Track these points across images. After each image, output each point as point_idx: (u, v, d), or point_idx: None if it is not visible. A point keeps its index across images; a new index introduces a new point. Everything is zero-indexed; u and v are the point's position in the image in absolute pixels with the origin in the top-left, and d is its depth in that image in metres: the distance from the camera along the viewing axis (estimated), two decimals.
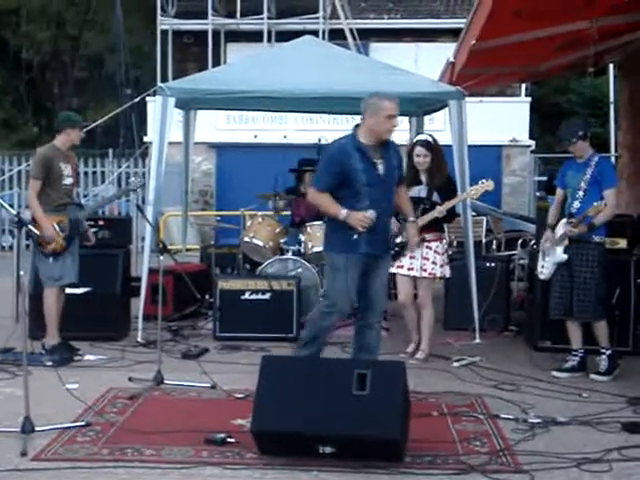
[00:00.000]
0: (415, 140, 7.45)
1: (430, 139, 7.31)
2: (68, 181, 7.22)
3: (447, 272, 7.38)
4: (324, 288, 6.64)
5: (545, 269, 6.85)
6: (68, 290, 7.31)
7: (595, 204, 6.36)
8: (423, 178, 7.29)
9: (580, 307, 6.61)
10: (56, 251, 7.06)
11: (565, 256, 6.63)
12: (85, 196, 7.06)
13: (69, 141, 7.22)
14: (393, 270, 7.42)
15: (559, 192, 6.95)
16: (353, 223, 5.79)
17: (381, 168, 5.91)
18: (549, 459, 4.69)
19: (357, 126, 6.02)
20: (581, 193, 6.59)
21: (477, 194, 7.31)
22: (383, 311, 6.34)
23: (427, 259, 7.23)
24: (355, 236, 5.82)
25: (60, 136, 7.23)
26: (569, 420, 5.41)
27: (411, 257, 7.25)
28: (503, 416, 5.50)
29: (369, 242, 5.87)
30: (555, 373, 6.69)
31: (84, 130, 7.43)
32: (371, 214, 5.79)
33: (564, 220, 6.67)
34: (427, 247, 7.23)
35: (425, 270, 7.23)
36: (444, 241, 7.41)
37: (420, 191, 7.27)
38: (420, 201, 7.22)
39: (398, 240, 7.28)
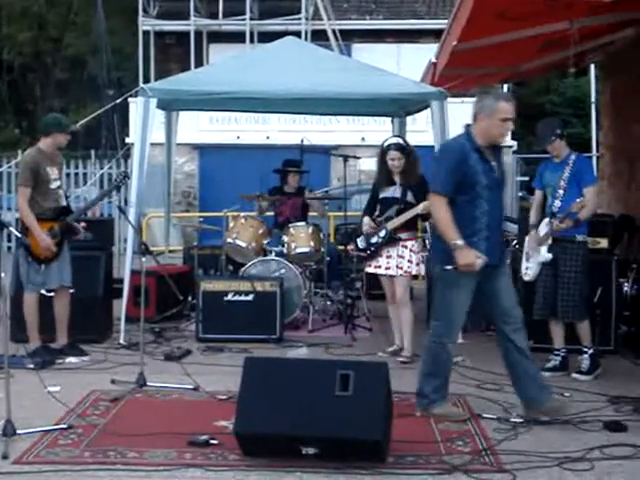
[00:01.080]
0: (387, 144, 7.38)
1: (402, 142, 7.36)
2: (55, 185, 7.15)
3: (422, 270, 7.44)
4: (433, 311, 5.80)
5: (530, 270, 6.86)
6: (50, 293, 7.27)
7: (578, 200, 6.39)
8: (397, 179, 7.32)
9: (564, 307, 6.64)
10: (48, 257, 7.03)
11: (550, 255, 6.65)
12: (67, 197, 6.99)
13: (55, 144, 7.17)
14: (371, 270, 7.48)
15: (537, 193, 6.99)
16: (462, 261, 5.24)
17: (496, 171, 5.44)
18: (531, 458, 4.70)
19: (469, 125, 5.48)
20: (561, 192, 6.62)
21: None
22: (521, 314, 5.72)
23: (403, 257, 7.27)
24: (449, 267, 5.31)
25: (47, 139, 7.15)
26: (551, 419, 5.43)
27: (387, 257, 7.29)
28: (486, 416, 5.52)
29: (488, 251, 5.34)
30: None
31: (70, 134, 7.33)
32: (483, 261, 5.29)
33: (546, 220, 6.70)
34: (403, 246, 7.27)
35: (401, 268, 7.26)
36: (419, 240, 7.46)
37: (394, 191, 7.31)
38: (394, 201, 7.27)
39: (374, 240, 7.32)
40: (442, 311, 5.55)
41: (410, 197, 7.25)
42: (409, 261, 7.25)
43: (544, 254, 6.69)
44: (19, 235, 6.61)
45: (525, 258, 6.93)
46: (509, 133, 5.65)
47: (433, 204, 5.42)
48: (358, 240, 7.53)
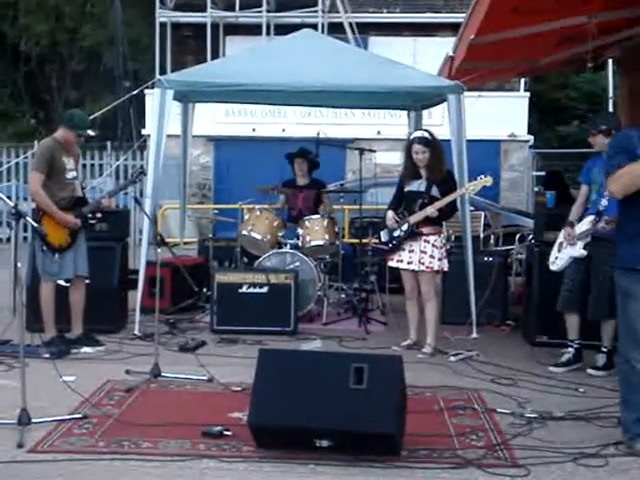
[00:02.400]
0: (412, 137, 7.41)
1: (428, 135, 7.31)
2: (71, 175, 7.19)
3: (445, 266, 7.38)
4: (621, 330, 5.03)
5: (559, 260, 6.80)
6: (61, 282, 7.29)
7: None
8: (422, 173, 7.30)
9: (595, 305, 6.59)
10: (62, 247, 7.06)
11: (585, 252, 6.60)
12: (83, 188, 7.02)
13: (63, 138, 7.19)
14: (393, 264, 7.46)
15: (583, 188, 6.87)
16: None
17: None
18: (545, 454, 4.70)
19: None
20: None
21: (475, 189, 7.31)
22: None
23: (425, 252, 7.24)
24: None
25: (60, 130, 7.21)
26: (565, 415, 5.42)
27: (410, 251, 7.27)
28: (500, 410, 5.51)
29: None
30: (552, 368, 6.69)
31: (81, 138, 7.27)
32: None
33: (591, 217, 6.60)
34: (425, 241, 7.25)
35: (423, 264, 7.24)
36: (442, 235, 7.42)
37: (419, 185, 7.29)
38: (419, 195, 7.24)
39: (396, 234, 7.30)
40: (623, 326, 4.92)
41: (435, 191, 7.23)
42: (431, 256, 7.22)
43: (580, 249, 6.64)
44: (35, 225, 6.63)
45: (557, 248, 6.86)
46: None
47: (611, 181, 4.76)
48: (381, 233, 7.52)
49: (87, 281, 7.36)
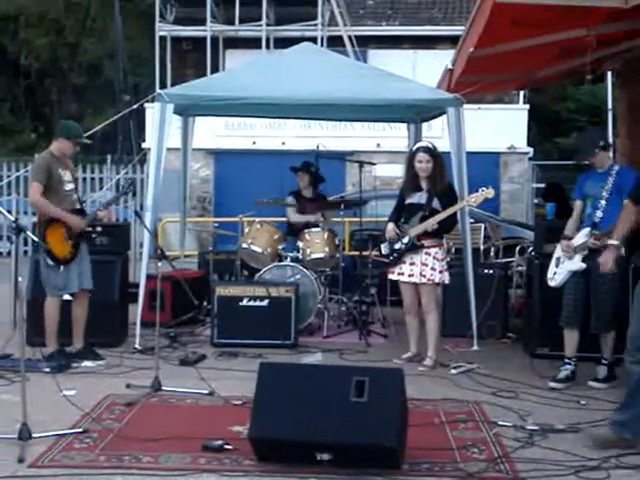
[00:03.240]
0: (417, 147, 7.44)
1: (431, 146, 7.33)
2: (69, 187, 7.22)
3: (446, 278, 7.38)
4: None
5: (558, 275, 6.77)
6: (66, 297, 7.29)
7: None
8: (423, 185, 7.30)
9: (598, 318, 6.58)
10: (66, 259, 7.07)
11: (584, 265, 6.56)
12: (83, 202, 7.04)
13: (60, 150, 7.21)
14: (394, 277, 7.45)
15: (578, 204, 6.85)
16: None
17: None
18: (547, 467, 4.68)
19: None
20: (603, 202, 6.52)
21: (477, 202, 7.30)
22: None
23: (426, 265, 7.24)
24: None
25: (55, 143, 7.24)
26: (567, 427, 5.41)
27: (411, 264, 7.27)
28: (501, 423, 5.49)
29: None
30: (552, 384, 6.62)
31: (78, 145, 7.32)
32: None
33: (587, 230, 6.58)
34: (426, 253, 7.25)
35: (424, 276, 7.23)
36: (443, 247, 7.42)
37: (420, 197, 7.29)
38: (420, 208, 7.25)
39: (397, 246, 7.30)
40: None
41: (436, 204, 7.23)
42: (432, 269, 7.22)
43: (578, 263, 6.61)
44: (36, 240, 6.63)
45: (555, 263, 6.85)
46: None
47: None
48: (382, 246, 7.52)
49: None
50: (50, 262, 7.01)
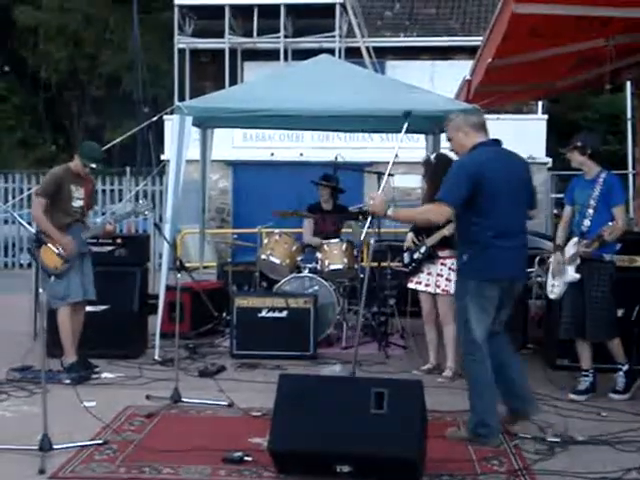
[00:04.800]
0: (435, 155, 7.46)
1: (432, 156, 7.42)
2: (78, 203, 7.23)
3: None
4: None
5: (556, 288, 6.76)
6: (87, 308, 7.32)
7: (610, 224, 6.24)
8: None
9: (594, 327, 6.53)
10: (57, 269, 7.05)
11: (577, 275, 6.51)
12: (103, 214, 7.11)
13: (76, 167, 7.25)
14: (412, 286, 7.46)
15: (567, 209, 6.85)
16: None
17: None
18: (567, 479, 4.66)
19: None
20: (591, 211, 6.50)
21: None
22: None
23: (441, 276, 7.25)
24: None
25: (74, 159, 7.28)
26: (588, 439, 5.38)
27: (428, 273, 7.28)
28: (521, 435, 5.46)
29: None
30: (572, 396, 6.58)
31: (86, 168, 7.25)
32: None
33: (575, 239, 6.57)
34: (442, 264, 7.25)
35: (439, 287, 7.24)
36: None
37: None
38: None
39: (415, 256, 7.31)
40: None
41: None
42: (447, 279, 7.20)
43: (572, 274, 6.55)
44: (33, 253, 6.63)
45: (550, 276, 6.85)
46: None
47: None
48: (404, 255, 7.54)
49: (106, 306, 7.37)
50: (46, 274, 6.99)
